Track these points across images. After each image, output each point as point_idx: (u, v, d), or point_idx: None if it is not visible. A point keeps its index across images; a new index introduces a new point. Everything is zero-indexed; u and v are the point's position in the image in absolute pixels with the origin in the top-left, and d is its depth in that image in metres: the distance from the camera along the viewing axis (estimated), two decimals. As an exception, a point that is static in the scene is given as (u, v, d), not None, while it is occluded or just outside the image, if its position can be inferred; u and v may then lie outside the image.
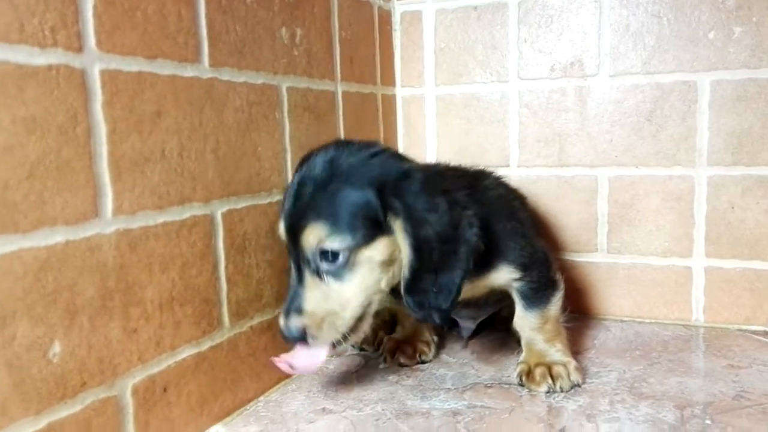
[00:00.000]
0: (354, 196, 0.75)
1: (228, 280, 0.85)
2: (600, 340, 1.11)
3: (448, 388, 0.92)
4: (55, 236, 0.61)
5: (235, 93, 0.84)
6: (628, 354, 1.04)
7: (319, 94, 1.04)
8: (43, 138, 0.59)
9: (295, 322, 0.77)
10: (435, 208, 0.75)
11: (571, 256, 1.25)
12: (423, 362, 1.01)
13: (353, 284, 0.78)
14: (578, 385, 0.89)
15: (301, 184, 0.78)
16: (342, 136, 1.11)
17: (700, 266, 1.17)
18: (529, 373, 0.90)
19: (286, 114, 0.95)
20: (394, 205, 0.74)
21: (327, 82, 1.06)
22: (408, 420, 0.83)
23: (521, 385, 0.90)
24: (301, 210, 0.77)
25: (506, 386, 0.93)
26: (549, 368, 0.90)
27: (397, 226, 0.75)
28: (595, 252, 1.24)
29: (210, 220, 0.81)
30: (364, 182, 0.76)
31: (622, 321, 1.21)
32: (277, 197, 0.94)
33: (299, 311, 0.77)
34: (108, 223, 0.66)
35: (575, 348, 1.06)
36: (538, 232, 1.05)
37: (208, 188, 0.80)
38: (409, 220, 0.74)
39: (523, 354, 0.94)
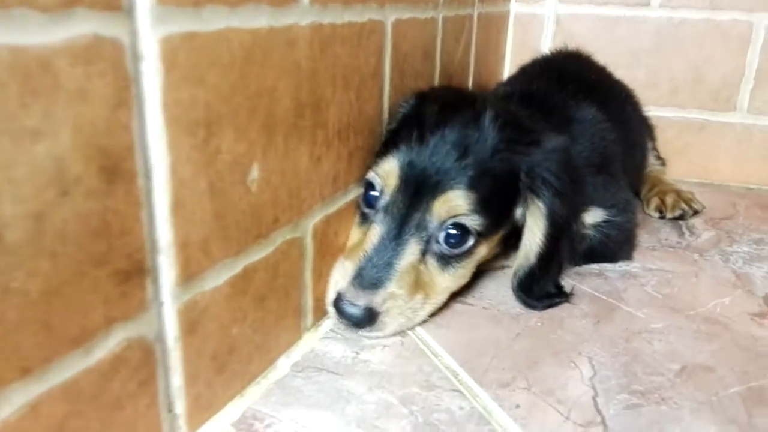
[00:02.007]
0: (505, 174, 0.60)
1: (389, 110, 0.68)
2: (741, 205, 1.01)
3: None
4: (260, 17, 0.43)
5: None
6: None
7: None
8: None
9: (369, 300, 0.55)
10: (579, 192, 0.64)
11: (704, 115, 1.11)
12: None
13: (456, 276, 0.61)
14: (704, 208, 0.92)
15: (456, 127, 0.59)
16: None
17: None
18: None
19: None
20: (541, 190, 0.60)
21: None
22: (587, 281, 0.72)
23: (662, 217, 0.91)
24: (450, 162, 0.58)
25: (672, 249, 0.82)
26: (678, 194, 0.91)
27: (536, 210, 0.61)
28: (733, 111, 1.09)
29: (382, 28, 0.63)
30: (516, 159, 0.60)
31: (749, 189, 1.10)
32: (431, 13, 0.76)
33: (379, 284, 0.55)
34: (305, 12, 0.49)
35: (720, 213, 0.97)
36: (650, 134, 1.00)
37: (384, -14, 0.61)
38: (556, 205, 0.61)
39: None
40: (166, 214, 0.38)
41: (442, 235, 0.58)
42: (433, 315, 0.62)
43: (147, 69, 0.34)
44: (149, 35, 0.34)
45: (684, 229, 0.91)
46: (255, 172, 0.46)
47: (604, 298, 0.68)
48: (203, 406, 0.45)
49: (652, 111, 1.14)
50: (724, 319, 0.63)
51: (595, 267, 0.76)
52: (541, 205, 0.60)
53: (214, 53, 0.39)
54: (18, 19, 0.27)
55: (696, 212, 0.93)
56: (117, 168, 0.33)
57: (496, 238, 0.63)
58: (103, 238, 0.33)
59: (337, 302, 0.54)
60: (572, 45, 1.15)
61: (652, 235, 0.88)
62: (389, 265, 0.55)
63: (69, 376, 0.33)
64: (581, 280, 0.73)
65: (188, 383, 0.43)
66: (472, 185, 0.57)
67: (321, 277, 0.59)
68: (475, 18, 0.95)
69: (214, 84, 0.40)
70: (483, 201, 0.58)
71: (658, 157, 1.05)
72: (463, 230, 0.58)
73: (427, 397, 0.50)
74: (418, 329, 0.61)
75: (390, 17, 0.64)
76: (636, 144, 0.90)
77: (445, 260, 0.59)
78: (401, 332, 0.58)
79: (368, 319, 0.54)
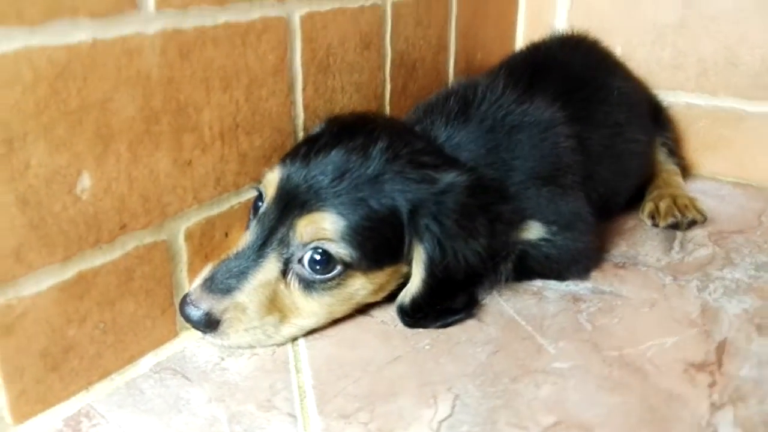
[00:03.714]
0: (385, 210, 0.60)
1: (306, 107, 0.70)
2: None
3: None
4: (78, 32, 0.46)
5: None
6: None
7: None
8: None
9: (211, 305, 0.56)
10: (472, 235, 0.62)
11: (740, 105, 1.02)
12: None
13: (322, 304, 0.61)
14: (705, 218, 0.87)
15: (341, 151, 0.60)
16: None
17: None
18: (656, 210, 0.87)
19: None
20: (422, 233, 0.60)
21: None
22: (515, 300, 0.71)
23: (654, 224, 0.88)
24: (322, 182, 0.59)
25: (644, 268, 0.78)
26: (674, 199, 0.87)
27: (418, 254, 0.61)
28: (776, 101, 1.00)
29: (285, 23, 0.64)
30: (399, 197, 0.60)
31: (791, 194, 1.01)
32: (372, 0, 0.75)
33: (227, 292, 0.57)
34: (150, 19, 0.51)
35: (740, 224, 0.90)
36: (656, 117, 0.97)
37: (285, -21, 0.62)
38: (436, 252, 0.60)
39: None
40: (-42, 227, 0.43)
41: (306, 257, 0.59)
42: (325, 327, 0.64)
43: None
44: None
45: (676, 243, 0.86)
46: (86, 182, 0.50)
47: (522, 323, 0.67)
48: (31, 400, 0.51)
49: (678, 97, 1.06)
50: (649, 367, 0.60)
51: (538, 283, 0.75)
52: (420, 249, 0.61)
53: (10, 74, 0.43)
54: None
55: (693, 222, 0.88)
56: None
57: (382, 274, 0.63)
58: None
59: (182, 301, 0.58)
60: (590, 21, 1.10)
61: (634, 247, 0.84)
62: (243, 274, 0.58)
63: None
64: (512, 296, 0.72)
65: (8, 379, 0.49)
66: (342, 212, 0.58)
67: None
68: (456, -2, 0.93)
69: (13, 103, 0.44)
70: (354, 232, 0.59)
71: (672, 153, 0.99)
72: (328, 256, 0.59)
73: (257, 419, 0.53)
74: (301, 339, 0.63)
75: (297, 12, 0.65)
76: (625, 147, 0.85)
77: (308, 285, 0.60)
78: (251, 347, 0.61)
79: (207, 324, 0.57)
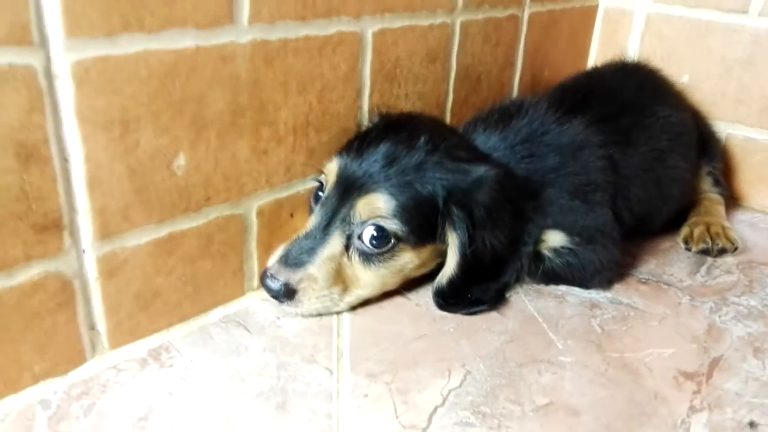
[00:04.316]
0: (426, 193, 0.67)
1: (371, 110, 0.78)
2: (803, 250, 0.93)
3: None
4: (185, 39, 0.56)
5: None
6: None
7: None
8: None
9: (288, 277, 0.65)
10: (497, 224, 0.70)
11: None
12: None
13: (378, 275, 0.70)
14: (736, 248, 0.90)
15: (389, 144, 0.68)
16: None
17: None
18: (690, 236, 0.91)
19: None
20: (455, 218, 0.68)
21: None
22: (538, 300, 0.77)
23: (687, 249, 0.91)
24: (375, 168, 0.67)
25: (665, 286, 0.82)
26: (708, 227, 0.90)
27: (452, 238, 0.69)
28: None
29: (359, 38, 0.72)
30: (437, 183, 0.68)
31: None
32: (441, 19, 0.82)
33: (301, 265, 0.66)
34: (243, 31, 0.61)
35: (767, 258, 0.91)
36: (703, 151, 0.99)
37: (360, 1, 0.70)
38: (466, 237, 0.68)
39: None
40: (83, 187, 0.54)
41: (365, 233, 0.68)
42: (369, 302, 0.73)
43: (61, 85, 0.50)
44: (62, 60, 0.49)
45: (703, 267, 0.89)
46: (181, 160, 0.60)
47: (539, 320, 0.73)
48: (125, 331, 0.62)
49: (738, 129, 1.08)
50: (643, 370, 0.65)
51: (562, 288, 0.80)
52: (453, 235, 0.68)
53: (130, 70, 0.54)
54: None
55: (723, 250, 0.90)
56: (32, 154, 0.50)
57: (425, 251, 0.71)
58: (22, 201, 0.50)
59: (263, 275, 0.67)
60: (662, 48, 1.12)
61: (662, 267, 0.88)
62: (313, 250, 0.67)
63: (-8, 289, 0.51)
64: (536, 297, 0.78)
65: (108, 312, 0.60)
66: (393, 193, 0.66)
67: (271, 249, 0.73)
68: (525, 18, 0.99)
69: (131, 93, 0.54)
70: (403, 210, 0.67)
71: (717, 182, 1.01)
72: (384, 232, 0.67)
73: (300, 369, 0.62)
74: (346, 313, 0.72)
75: (370, 28, 0.74)
76: (665, 173, 0.88)
77: (367, 258, 0.68)
78: (319, 313, 0.69)
79: (285, 293, 0.66)
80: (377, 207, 0.66)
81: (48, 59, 0.49)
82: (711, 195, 1.00)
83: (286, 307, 0.68)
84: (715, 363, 0.67)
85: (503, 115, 0.79)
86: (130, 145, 0.56)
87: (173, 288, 0.64)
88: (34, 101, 0.49)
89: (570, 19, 1.10)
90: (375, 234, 0.67)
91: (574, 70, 1.17)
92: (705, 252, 0.90)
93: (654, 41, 1.14)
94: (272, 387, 0.59)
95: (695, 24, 1.09)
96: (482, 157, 0.72)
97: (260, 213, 0.70)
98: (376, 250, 0.67)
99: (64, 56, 0.49)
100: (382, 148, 0.68)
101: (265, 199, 0.70)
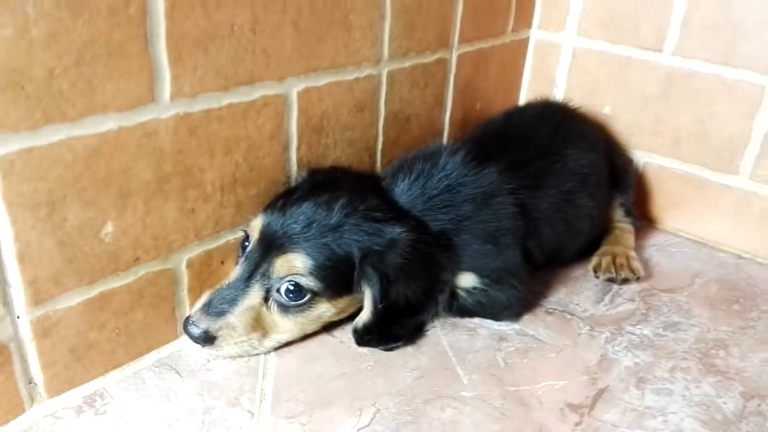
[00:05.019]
0: (342, 253, 0.73)
1: (299, 161, 0.82)
2: (704, 278, 1.00)
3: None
4: (106, 123, 0.60)
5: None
6: (724, 306, 0.93)
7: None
8: (91, 21, 0.55)
9: (208, 325, 0.70)
10: (410, 278, 0.75)
11: (705, 173, 1.09)
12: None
13: (296, 323, 0.75)
14: (638, 278, 0.96)
15: (310, 205, 0.73)
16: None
17: None
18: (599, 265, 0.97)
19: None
20: (369, 278, 0.73)
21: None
22: (452, 333, 0.82)
23: (596, 277, 0.97)
24: (295, 229, 0.72)
25: (569, 316, 0.88)
26: (614, 257, 0.96)
27: (366, 293, 0.74)
28: (735, 175, 1.07)
29: (283, 100, 0.76)
30: (353, 244, 0.73)
31: (740, 257, 1.08)
32: (367, 71, 0.86)
33: (221, 314, 0.71)
34: (165, 108, 0.64)
35: (673, 282, 0.97)
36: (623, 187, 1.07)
37: (283, 65, 0.74)
38: (378, 293, 0.73)
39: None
40: (14, 263, 0.58)
41: (282, 288, 0.72)
42: (295, 341, 0.78)
43: (-14, 177, 0.53)
44: (-14, 156, 0.53)
45: (608, 296, 0.94)
46: (109, 228, 0.64)
47: (450, 355, 0.79)
48: (61, 381, 0.66)
49: (654, 158, 1.14)
50: (534, 403, 0.71)
51: (476, 320, 0.86)
52: (368, 290, 0.73)
53: (54, 157, 0.57)
54: None
55: (626, 280, 0.96)
56: (-39, 240, 0.53)
57: (342, 300, 0.76)
58: (-47, 281, 0.54)
59: (185, 322, 0.72)
60: (586, 81, 1.18)
61: (570, 296, 0.94)
62: (234, 300, 0.72)
63: (-71, 360, 0.55)
64: (451, 330, 0.83)
65: (44, 366, 0.64)
66: (310, 253, 0.71)
67: (202, 293, 0.77)
68: (453, 60, 1.03)
69: (56, 177, 0.58)
70: (319, 268, 0.71)
71: (628, 213, 1.07)
72: (300, 287, 0.72)
73: (224, 412, 0.67)
74: (273, 352, 0.77)
75: (295, 88, 0.77)
76: (574, 212, 0.94)
77: (285, 308, 0.73)
78: (240, 356, 0.74)
79: (205, 339, 0.71)
80: (294, 266, 0.71)
81: (-28, 157, 0.52)
82: (622, 225, 1.06)
83: (207, 350, 0.72)
84: (599, 394, 0.73)
85: (424, 164, 0.83)
86: (58, 222, 0.59)
87: (107, 339, 0.68)
88: (-40, 195, 0.52)
89: (500, 54, 1.15)
90: (291, 288, 0.72)
91: (506, 101, 1.22)
92: (611, 281, 0.96)
93: (580, 74, 1.19)
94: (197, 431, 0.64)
95: (616, 59, 1.14)
96: (399, 215, 0.77)
97: (190, 264, 0.74)
98: (293, 303, 0.72)
99: (-12, 153, 0.53)
100: (303, 209, 0.72)
101: (195, 251, 0.74)
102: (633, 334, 0.85)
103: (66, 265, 0.62)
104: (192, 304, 0.76)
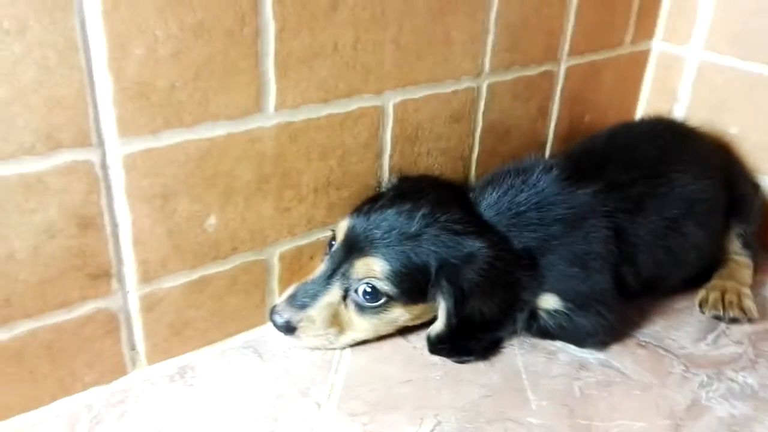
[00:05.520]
0: (419, 262, 0.77)
1: (392, 168, 0.88)
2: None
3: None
4: (217, 129, 0.69)
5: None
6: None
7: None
8: (209, 42, 0.64)
9: (291, 316, 0.78)
10: (487, 295, 0.78)
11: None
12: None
13: (371, 323, 0.80)
14: (750, 319, 0.91)
15: (393, 212, 0.78)
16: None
17: None
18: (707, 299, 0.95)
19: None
20: (444, 290, 0.77)
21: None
22: (529, 355, 0.85)
23: (702, 312, 0.94)
24: (376, 234, 0.78)
25: (663, 352, 0.87)
26: (723, 293, 0.94)
27: (440, 304, 0.78)
28: None
29: (380, 111, 0.83)
30: (431, 255, 0.77)
31: None
32: (466, 84, 0.91)
33: (303, 307, 0.78)
34: (269, 117, 0.73)
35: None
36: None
37: (381, 79, 0.81)
38: (452, 306, 0.77)
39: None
40: (129, 246, 0.69)
41: (360, 289, 0.79)
42: (369, 341, 0.85)
43: (113, 173, 0.64)
44: (115, 155, 0.63)
45: (712, 335, 0.91)
46: (212, 220, 0.74)
47: (523, 377, 0.82)
48: (160, 352, 0.77)
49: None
50: (604, 439, 0.71)
51: (558, 344, 0.87)
52: (442, 301, 0.78)
53: (170, 157, 0.67)
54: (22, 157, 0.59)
55: (734, 320, 0.92)
56: (89, 224, 0.65)
57: (417, 308, 0.81)
58: (80, 258, 0.66)
59: (272, 310, 0.81)
60: (712, 98, 1.14)
61: (667, 330, 0.91)
62: (315, 295, 0.79)
63: (57, 320, 0.67)
64: (529, 351, 0.86)
65: (147, 336, 0.75)
66: (388, 259, 0.77)
67: (291, 284, 0.86)
68: (561, 72, 1.04)
69: (170, 174, 0.68)
70: (396, 274, 0.77)
71: (747, 245, 1.02)
72: (376, 290, 0.78)
73: (294, 400, 0.75)
74: (348, 348, 0.84)
75: (391, 101, 0.83)
76: (679, 241, 0.91)
77: (361, 308, 0.80)
78: (318, 348, 0.82)
79: (287, 329, 0.79)
80: (372, 269, 0.77)
81: (104, 155, 0.63)
82: (739, 258, 1.02)
83: (288, 338, 0.81)
84: (679, 440, 0.72)
85: (515, 179, 0.86)
86: (169, 213, 0.70)
87: (202, 318, 0.79)
88: (92, 185, 0.63)
89: (616, 65, 1.14)
90: (368, 290, 0.78)
91: (621, 114, 1.21)
92: (718, 318, 0.93)
93: (705, 90, 1.16)
94: (266, 415, 0.73)
95: (746, 76, 1.10)
96: (481, 230, 0.81)
97: (282, 257, 0.83)
98: (368, 304, 0.79)
99: (117, 151, 0.63)
100: (386, 216, 0.78)
101: (287, 246, 0.83)
102: (734, 381, 0.81)
103: (173, 251, 0.72)
104: (280, 294, 0.84)
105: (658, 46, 1.20)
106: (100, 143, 0.62)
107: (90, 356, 0.71)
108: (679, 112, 1.19)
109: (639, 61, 1.19)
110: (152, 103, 0.63)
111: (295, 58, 0.71)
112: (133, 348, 0.75)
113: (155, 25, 0.60)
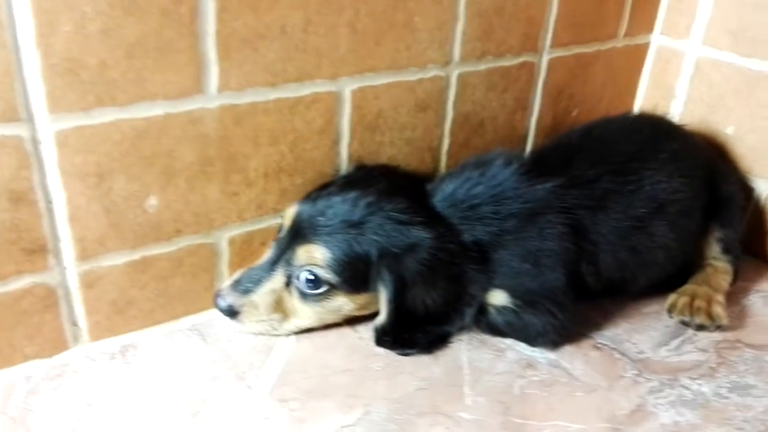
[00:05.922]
0: (361, 251, 0.78)
1: (350, 156, 0.89)
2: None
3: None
4: (155, 109, 0.71)
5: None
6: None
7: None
8: (142, 19, 0.66)
9: (234, 300, 0.80)
10: (430, 286, 0.79)
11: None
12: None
13: (314, 311, 0.81)
14: (718, 326, 0.90)
15: (338, 200, 0.79)
16: None
17: None
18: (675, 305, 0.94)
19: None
20: (384, 279, 0.78)
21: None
22: (477, 351, 0.85)
23: (671, 317, 0.93)
24: (320, 221, 0.78)
25: (618, 356, 0.87)
26: (693, 299, 0.92)
27: (382, 293, 0.79)
28: None
29: (335, 97, 0.83)
30: (373, 244, 0.78)
31: None
32: (433, 73, 0.90)
33: (246, 292, 0.80)
34: (212, 99, 0.74)
35: (760, 341, 0.90)
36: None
37: (336, 65, 0.81)
38: (393, 296, 0.77)
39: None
40: (65, 222, 0.71)
41: (302, 276, 0.80)
42: (315, 329, 0.86)
43: (44, 148, 0.66)
44: (46, 131, 0.66)
45: (677, 341, 0.90)
46: (153, 201, 0.76)
47: (465, 372, 0.82)
48: (102, 329, 0.80)
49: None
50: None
51: (508, 341, 0.88)
52: (383, 290, 0.78)
53: (104, 135, 0.69)
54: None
55: (701, 326, 0.91)
56: (21, 198, 0.67)
57: (361, 297, 0.82)
58: (13, 231, 0.68)
59: (216, 294, 0.83)
60: (709, 95, 1.12)
61: (629, 333, 0.90)
62: (259, 281, 0.81)
63: (-8, 293, 0.70)
64: (478, 347, 0.86)
65: (88, 313, 0.78)
66: (330, 247, 0.78)
67: (241, 269, 0.87)
68: (543, 64, 1.03)
69: (104, 152, 0.70)
70: (337, 262, 0.78)
71: (727, 250, 1.00)
72: (317, 277, 0.80)
73: (228, 382, 0.77)
74: (293, 335, 0.86)
75: (348, 87, 0.84)
76: (645, 242, 0.90)
77: (304, 296, 0.81)
78: (261, 333, 0.84)
79: (230, 313, 0.81)
80: (313, 256, 0.78)
81: (34, 130, 0.65)
82: (716, 263, 0.99)
83: (232, 322, 0.83)
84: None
85: (473, 171, 0.86)
86: (105, 191, 0.72)
87: (146, 299, 0.81)
88: (22, 160, 0.66)
89: (608, 59, 1.12)
90: (309, 278, 0.79)
91: (615, 108, 1.19)
92: (685, 324, 0.91)
93: (702, 87, 1.13)
94: (197, 396, 0.74)
95: (745, 73, 1.07)
96: (429, 221, 0.81)
97: (231, 242, 0.84)
98: (310, 292, 0.80)
99: (48, 127, 0.65)
100: (332, 203, 0.79)
101: (237, 231, 0.84)
102: (688, 388, 0.80)
103: (111, 229, 0.74)
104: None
105: (656, 40, 1.18)
106: (30, 118, 0.64)
107: (29, 329, 0.74)
108: (676, 109, 1.17)
109: (636, 55, 1.17)
110: (83, 80, 0.65)
111: (238, 39, 0.72)
112: (74, 324, 0.77)
113: (83, 1, 0.62)
